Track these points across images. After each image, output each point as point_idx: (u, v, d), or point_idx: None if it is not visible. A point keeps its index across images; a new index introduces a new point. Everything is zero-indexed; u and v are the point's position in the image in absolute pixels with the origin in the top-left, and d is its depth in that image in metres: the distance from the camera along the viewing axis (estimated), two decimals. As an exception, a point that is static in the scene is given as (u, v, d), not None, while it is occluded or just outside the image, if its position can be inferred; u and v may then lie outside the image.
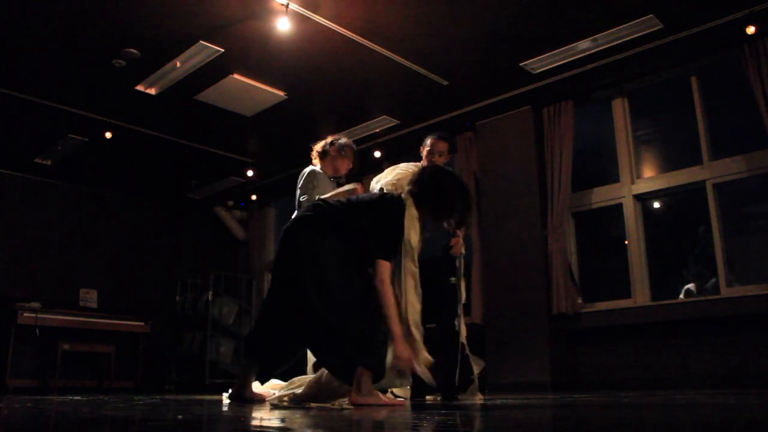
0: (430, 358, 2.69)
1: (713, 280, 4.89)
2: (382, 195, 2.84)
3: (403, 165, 4.12)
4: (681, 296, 5.16)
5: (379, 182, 4.09)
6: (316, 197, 3.90)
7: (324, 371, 2.86)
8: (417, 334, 2.65)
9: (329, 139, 4.11)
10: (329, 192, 3.98)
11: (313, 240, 2.70)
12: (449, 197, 2.77)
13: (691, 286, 5.20)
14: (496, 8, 4.35)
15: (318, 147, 4.09)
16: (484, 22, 4.52)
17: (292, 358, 2.91)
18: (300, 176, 4.03)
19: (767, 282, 4.51)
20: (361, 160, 6.82)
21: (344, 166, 4.09)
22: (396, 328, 2.56)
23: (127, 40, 4.72)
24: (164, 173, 7.67)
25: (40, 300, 6.72)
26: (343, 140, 4.11)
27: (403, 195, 2.79)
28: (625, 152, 5.37)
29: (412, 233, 2.71)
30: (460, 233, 3.94)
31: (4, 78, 5.25)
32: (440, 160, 4.06)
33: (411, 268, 2.71)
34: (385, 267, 2.61)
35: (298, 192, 3.97)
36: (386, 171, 4.11)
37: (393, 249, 2.69)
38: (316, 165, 4.09)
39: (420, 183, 2.79)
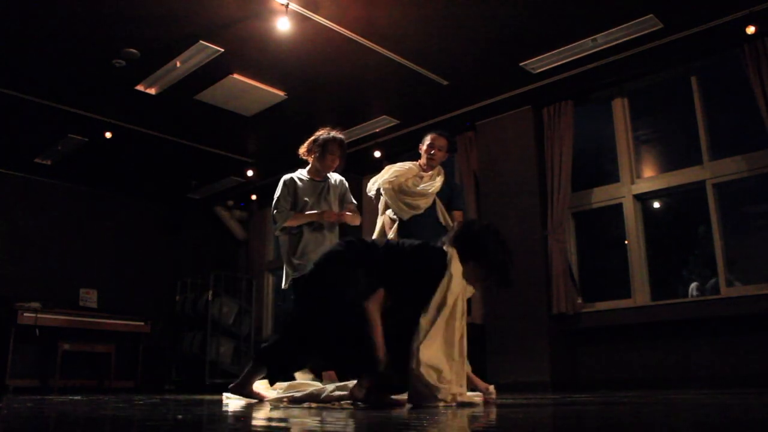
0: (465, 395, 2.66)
1: (713, 280, 4.89)
2: (425, 245, 2.74)
3: (398, 164, 4.12)
4: (691, 294, 5.15)
5: (376, 183, 4.09)
6: (288, 208, 3.80)
7: (326, 389, 2.88)
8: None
9: (314, 137, 3.90)
10: (306, 198, 3.84)
11: (342, 275, 2.68)
12: (493, 258, 2.73)
13: (694, 285, 5.20)
14: (496, 8, 4.35)
15: (302, 149, 3.93)
16: (484, 22, 4.52)
17: (303, 367, 2.93)
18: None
19: (767, 282, 4.51)
20: (362, 159, 6.86)
21: (330, 164, 3.86)
22: (379, 346, 2.54)
23: (127, 40, 4.72)
24: (164, 173, 7.67)
25: (40, 300, 6.72)
26: (325, 135, 3.86)
27: (446, 248, 2.72)
28: (625, 152, 5.37)
29: (457, 284, 2.67)
30: None
31: (4, 78, 5.25)
32: (439, 155, 4.05)
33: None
34: (380, 297, 2.57)
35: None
36: (384, 170, 4.11)
37: (403, 292, 2.65)
38: (307, 164, 3.98)
39: (466, 240, 2.72)
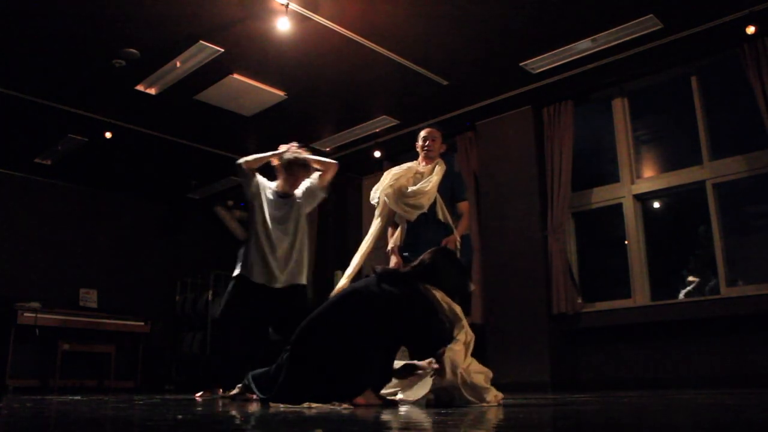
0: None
1: (713, 281, 4.89)
2: (409, 295, 2.80)
3: (396, 167, 4.11)
4: (681, 295, 5.17)
5: (377, 191, 4.07)
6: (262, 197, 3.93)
7: None
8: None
9: (278, 155, 4.01)
10: (270, 211, 3.95)
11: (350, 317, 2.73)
12: (453, 287, 2.91)
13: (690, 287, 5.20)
14: (496, 8, 4.35)
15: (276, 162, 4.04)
16: (484, 22, 4.52)
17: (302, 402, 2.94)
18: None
19: (767, 282, 4.51)
20: (362, 160, 6.86)
21: (294, 183, 4.01)
22: None
23: (127, 40, 4.72)
24: (164, 173, 7.67)
25: (40, 300, 6.72)
26: (288, 155, 3.98)
27: (422, 289, 2.85)
28: (625, 152, 5.37)
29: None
30: (457, 233, 3.91)
31: (4, 78, 5.25)
32: (435, 146, 4.03)
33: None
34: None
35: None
36: (383, 176, 4.09)
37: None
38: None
39: (428, 275, 2.86)
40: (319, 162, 4.08)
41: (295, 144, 4.08)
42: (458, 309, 2.88)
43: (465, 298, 3.28)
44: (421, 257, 2.96)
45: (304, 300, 4.03)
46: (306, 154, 4.05)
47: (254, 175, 3.97)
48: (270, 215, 3.94)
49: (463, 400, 2.68)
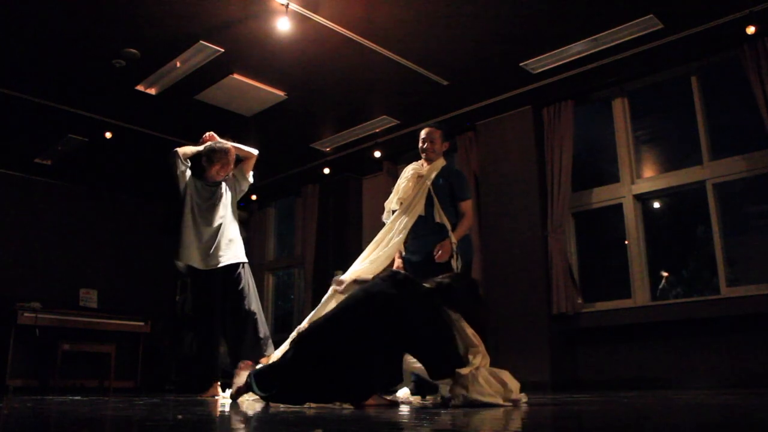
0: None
1: (712, 279, 4.89)
2: (424, 303, 2.83)
3: (400, 178, 4.13)
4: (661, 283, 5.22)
5: (389, 210, 4.10)
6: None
7: None
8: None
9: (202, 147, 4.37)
10: (197, 200, 4.40)
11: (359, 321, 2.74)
12: (461, 305, 3.00)
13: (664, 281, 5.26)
14: (496, 8, 4.35)
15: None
16: (484, 22, 4.52)
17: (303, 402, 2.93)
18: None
19: (767, 282, 4.51)
20: (362, 159, 6.86)
21: (215, 174, 4.35)
22: None
23: (127, 40, 4.72)
24: (164, 173, 7.64)
25: (40, 300, 6.72)
26: (209, 146, 4.32)
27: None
28: (625, 152, 5.36)
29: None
30: (459, 233, 3.89)
31: (4, 78, 5.25)
32: (433, 146, 4.02)
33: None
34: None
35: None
36: (393, 191, 4.12)
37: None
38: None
39: (445, 297, 2.92)
40: (239, 150, 4.47)
41: (214, 134, 4.46)
42: (472, 333, 2.89)
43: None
44: (443, 278, 2.99)
45: (248, 274, 4.58)
46: (226, 143, 4.40)
47: (187, 166, 4.38)
48: (198, 203, 4.40)
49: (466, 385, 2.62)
